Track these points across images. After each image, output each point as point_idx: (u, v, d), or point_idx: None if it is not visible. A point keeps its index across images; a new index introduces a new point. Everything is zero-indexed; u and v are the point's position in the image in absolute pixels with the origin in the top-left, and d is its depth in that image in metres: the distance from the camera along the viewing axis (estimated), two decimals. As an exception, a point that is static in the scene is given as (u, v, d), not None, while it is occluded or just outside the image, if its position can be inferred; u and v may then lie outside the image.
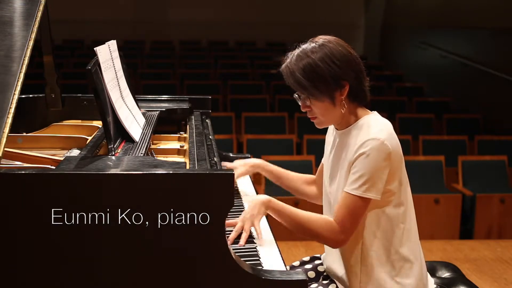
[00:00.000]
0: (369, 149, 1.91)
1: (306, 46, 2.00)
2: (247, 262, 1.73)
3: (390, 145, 1.92)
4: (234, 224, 2.04)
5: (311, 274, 2.23)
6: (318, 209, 2.21)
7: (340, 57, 1.96)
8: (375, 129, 1.95)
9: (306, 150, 6.01)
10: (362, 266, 2.01)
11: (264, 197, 2.04)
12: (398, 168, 1.96)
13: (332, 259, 2.12)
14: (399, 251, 2.00)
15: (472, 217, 5.35)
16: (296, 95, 2.05)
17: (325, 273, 2.19)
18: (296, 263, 2.31)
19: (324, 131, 2.20)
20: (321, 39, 2.01)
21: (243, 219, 2.04)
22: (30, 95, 2.81)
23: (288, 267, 2.26)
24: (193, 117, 2.83)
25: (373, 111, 2.06)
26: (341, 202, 1.95)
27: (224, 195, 1.63)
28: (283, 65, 2.02)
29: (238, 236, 2.02)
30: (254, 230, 2.06)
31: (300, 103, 2.06)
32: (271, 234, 2.14)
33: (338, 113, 2.01)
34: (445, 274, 2.34)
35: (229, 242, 1.92)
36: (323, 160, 2.27)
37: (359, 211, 1.93)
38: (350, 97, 2.00)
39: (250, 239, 2.05)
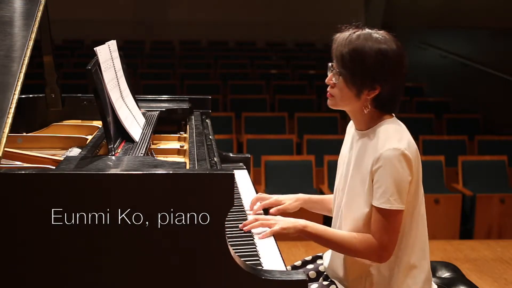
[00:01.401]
0: (390, 160, 1.87)
1: (372, 32, 1.94)
2: (247, 262, 1.73)
3: (410, 154, 1.89)
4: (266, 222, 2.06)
5: (312, 274, 2.23)
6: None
7: (390, 63, 1.91)
8: (395, 138, 1.91)
9: (306, 150, 6.01)
10: (368, 270, 2.00)
11: (301, 223, 2.00)
12: (416, 176, 1.94)
13: (333, 259, 2.12)
14: (407, 258, 1.98)
15: (472, 217, 5.35)
16: (330, 65, 1.99)
17: (325, 273, 2.18)
18: (298, 263, 2.31)
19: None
20: (389, 37, 1.95)
21: (279, 221, 2.03)
22: (30, 95, 2.81)
23: (289, 267, 2.26)
24: (193, 117, 2.83)
25: (393, 115, 2.01)
26: (373, 217, 1.91)
27: (224, 195, 1.63)
28: (340, 34, 1.96)
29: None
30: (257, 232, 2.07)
31: (328, 74, 2.00)
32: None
33: (356, 107, 1.97)
34: (445, 274, 2.34)
35: (247, 226, 2.05)
36: (339, 160, 2.18)
37: (393, 224, 1.89)
38: (375, 102, 1.95)
39: (250, 239, 2.05)
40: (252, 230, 2.09)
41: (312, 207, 2.36)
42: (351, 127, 2.14)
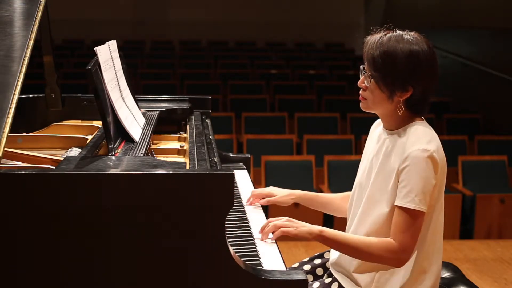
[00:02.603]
0: (418, 160, 1.85)
1: (403, 33, 1.93)
2: (247, 262, 1.73)
3: (438, 158, 1.88)
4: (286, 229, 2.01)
5: (319, 271, 2.21)
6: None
7: (423, 64, 1.90)
8: (424, 139, 1.90)
9: (306, 150, 6.01)
10: (378, 269, 1.98)
11: (318, 228, 1.96)
12: (440, 181, 1.92)
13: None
14: (421, 262, 1.97)
15: (472, 217, 5.35)
16: (362, 68, 1.98)
17: (330, 269, 2.16)
18: (306, 259, 2.30)
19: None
20: (421, 38, 1.93)
21: (296, 226, 1.98)
22: (30, 95, 2.81)
23: (297, 264, 2.26)
24: (193, 117, 2.83)
25: (423, 118, 2.00)
26: (395, 219, 1.89)
27: (224, 195, 1.63)
28: (371, 36, 1.95)
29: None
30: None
31: (360, 77, 1.99)
32: (271, 234, 2.13)
33: (388, 109, 1.95)
34: (445, 274, 2.34)
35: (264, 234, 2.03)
36: (362, 158, 2.15)
37: (415, 225, 1.87)
38: (407, 104, 1.93)
39: (250, 239, 2.05)
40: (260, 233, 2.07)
41: (309, 204, 2.35)
42: (376, 127, 2.13)
